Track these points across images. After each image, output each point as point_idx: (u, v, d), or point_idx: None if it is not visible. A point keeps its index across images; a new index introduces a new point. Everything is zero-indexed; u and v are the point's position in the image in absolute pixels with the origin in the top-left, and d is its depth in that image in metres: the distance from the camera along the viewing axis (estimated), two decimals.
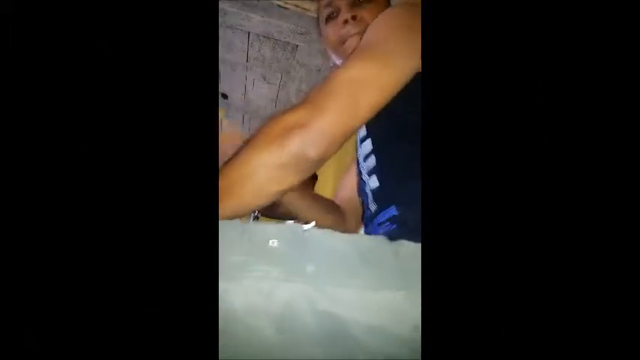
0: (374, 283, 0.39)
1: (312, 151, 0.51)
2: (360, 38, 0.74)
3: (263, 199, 0.53)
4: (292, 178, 0.53)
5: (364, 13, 0.80)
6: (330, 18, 0.84)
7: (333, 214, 0.95)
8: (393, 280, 0.40)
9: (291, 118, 0.52)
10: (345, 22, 0.80)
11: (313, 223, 0.45)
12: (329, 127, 0.52)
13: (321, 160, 0.53)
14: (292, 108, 0.54)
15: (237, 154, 0.53)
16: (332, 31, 0.84)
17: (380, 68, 0.56)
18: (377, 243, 0.46)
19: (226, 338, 0.34)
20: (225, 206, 0.49)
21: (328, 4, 0.84)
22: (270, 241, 0.41)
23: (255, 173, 0.51)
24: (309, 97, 0.54)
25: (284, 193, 0.55)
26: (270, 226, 0.44)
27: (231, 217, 0.50)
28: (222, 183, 0.50)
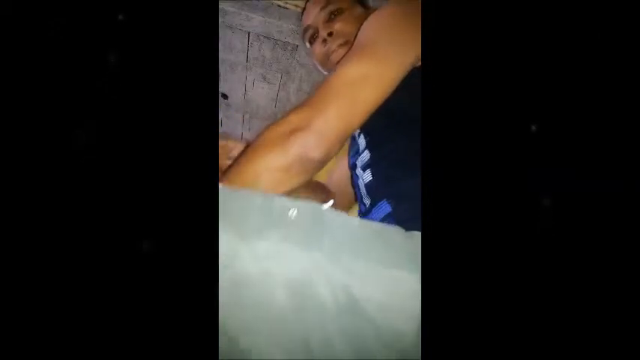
0: (387, 261, 0.39)
1: (315, 153, 0.52)
2: (346, 47, 0.79)
3: None
4: (296, 180, 0.53)
5: (339, 26, 0.84)
6: (312, 39, 0.90)
7: (322, 196, 0.95)
8: (405, 260, 0.40)
9: (291, 121, 0.53)
10: (324, 40, 0.85)
11: (331, 202, 0.45)
12: (329, 128, 0.52)
13: (324, 161, 0.54)
14: (292, 111, 0.54)
15: (239, 158, 0.53)
16: (317, 50, 0.89)
17: (376, 66, 0.57)
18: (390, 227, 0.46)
19: (239, 300, 0.34)
20: None
21: (307, 28, 0.90)
22: (290, 211, 0.41)
23: (259, 177, 0.51)
24: (308, 100, 0.55)
25: (289, 193, 0.55)
26: (289, 201, 0.44)
27: None
28: None
